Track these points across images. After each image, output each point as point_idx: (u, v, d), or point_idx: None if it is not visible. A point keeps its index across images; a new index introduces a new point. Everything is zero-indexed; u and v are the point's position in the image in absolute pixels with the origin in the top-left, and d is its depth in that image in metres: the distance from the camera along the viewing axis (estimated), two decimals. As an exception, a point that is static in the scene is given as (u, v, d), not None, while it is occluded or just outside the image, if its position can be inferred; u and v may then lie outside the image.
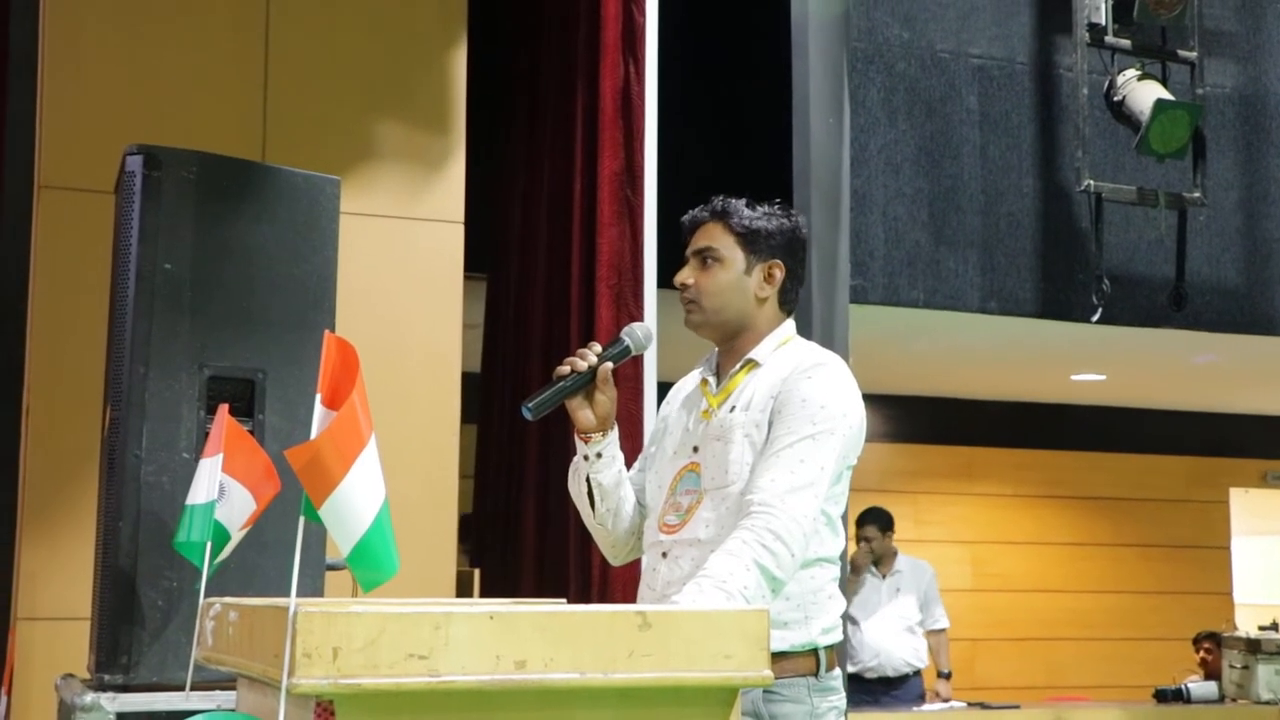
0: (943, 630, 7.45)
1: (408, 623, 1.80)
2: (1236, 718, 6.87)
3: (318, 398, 2.02)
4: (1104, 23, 5.35)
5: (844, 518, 2.85)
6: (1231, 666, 6.93)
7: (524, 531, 5.28)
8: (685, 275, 2.88)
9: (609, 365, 2.82)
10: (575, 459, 2.93)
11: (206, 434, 3.01)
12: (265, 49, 4.69)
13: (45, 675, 3.70)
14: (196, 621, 2.55)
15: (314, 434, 2.00)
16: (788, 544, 2.58)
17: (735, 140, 6.07)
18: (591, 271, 4.60)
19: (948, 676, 7.50)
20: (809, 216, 3.08)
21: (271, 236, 3.27)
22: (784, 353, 2.85)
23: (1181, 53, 5.51)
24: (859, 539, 7.25)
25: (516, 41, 5.91)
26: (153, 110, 4.48)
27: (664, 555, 2.80)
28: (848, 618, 7.02)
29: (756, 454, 2.72)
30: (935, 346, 8.55)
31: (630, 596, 3.23)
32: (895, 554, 7.36)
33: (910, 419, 10.57)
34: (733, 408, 2.80)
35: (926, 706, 6.88)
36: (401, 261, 4.75)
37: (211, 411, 3.06)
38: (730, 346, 2.89)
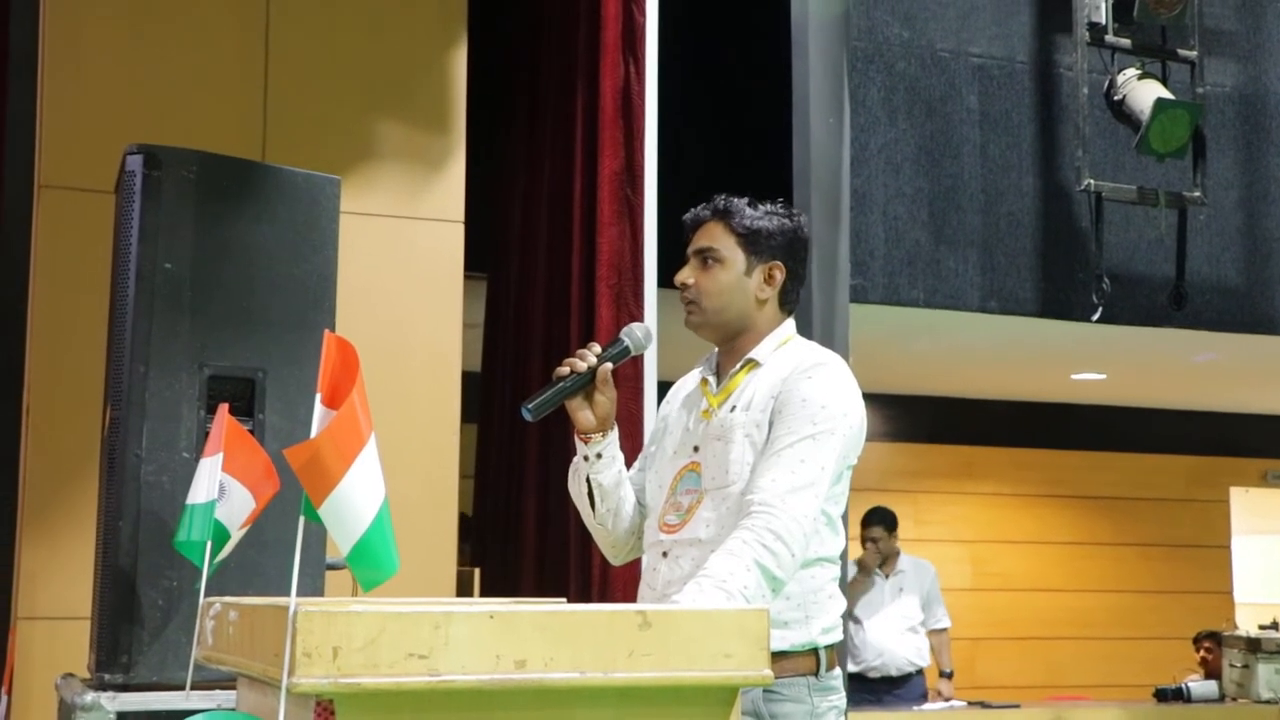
0: (944, 630, 7.45)
1: (408, 622, 1.80)
2: (1237, 717, 6.87)
3: (317, 397, 2.02)
4: (1104, 22, 5.35)
5: (844, 517, 2.85)
6: (1232, 666, 6.93)
7: (524, 531, 5.28)
8: (685, 275, 2.88)
9: (609, 366, 2.82)
10: (575, 459, 2.92)
11: (206, 433, 3.01)
12: (265, 49, 4.69)
13: (45, 675, 3.71)
14: (196, 621, 2.55)
15: (314, 433, 2.00)
16: (788, 544, 2.58)
17: (735, 140, 6.07)
18: (591, 271, 4.60)
19: (949, 676, 7.50)
20: (809, 216, 3.08)
21: (272, 236, 3.27)
22: (784, 352, 2.85)
23: (1181, 52, 5.51)
24: (865, 540, 7.24)
25: (516, 41, 5.91)
26: (153, 110, 4.48)
27: (664, 555, 2.80)
28: (851, 617, 7.04)
29: (757, 454, 2.72)
30: (935, 346, 8.55)
31: (630, 596, 3.23)
32: (898, 554, 7.36)
33: (910, 418, 10.56)
34: (733, 407, 2.80)
35: (927, 706, 6.88)
36: (402, 261, 4.75)
37: (211, 411, 3.06)
38: (730, 347, 2.89)
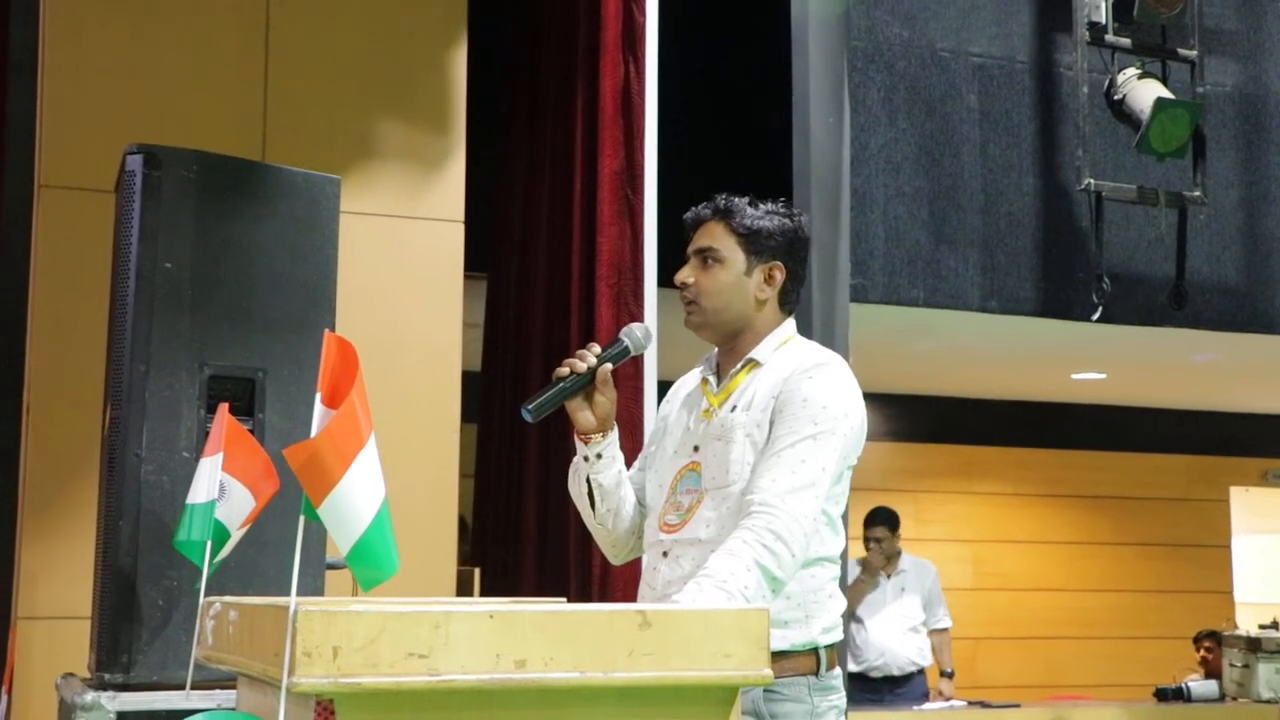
0: (946, 629, 7.45)
1: (408, 622, 1.80)
2: (1237, 716, 6.87)
3: (317, 397, 2.02)
4: (1104, 21, 5.34)
5: (844, 517, 2.85)
6: (1232, 665, 6.93)
7: (524, 531, 5.28)
8: (685, 274, 2.88)
9: (609, 366, 2.82)
10: (575, 459, 2.92)
11: (207, 433, 3.01)
12: (265, 49, 4.69)
13: (46, 674, 3.71)
14: (197, 620, 2.55)
15: (314, 433, 2.00)
16: (788, 544, 2.58)
17: (735, 140, 6.07)
18: (591, 271, 4.60)
19: (950, 675, 7.50)
20: (809, 215, 3.08)
21: (272, 236, 3.27)
22: (785, 352, 2.84)
23: (1182, 51, 5.50)
24: (868, 540, 7.23)
25: (516, 41, 5.91)
26: (153, 110, 4.48)
27: (664, 554, 2.80)
28: (853, 617, 7.04)
29: (758, 454, 2.72)
30: (935, 345, 8.55)
31: (630, 596, 3.23)
32: (900, 553, 7.36)
33: (910, 418, 10.57)
34: (734, 407, 2.80)
35: (927, 706, 6.88)
36: (401, 261, 4.75)
37: (212, 410, 3.06)
38: (731, 347, 2.89)
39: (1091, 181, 5.34)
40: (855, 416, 2.77)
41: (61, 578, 4.17)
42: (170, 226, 3.16)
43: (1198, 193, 5.51)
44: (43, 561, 4.24)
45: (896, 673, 7.14)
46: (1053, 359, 8.98)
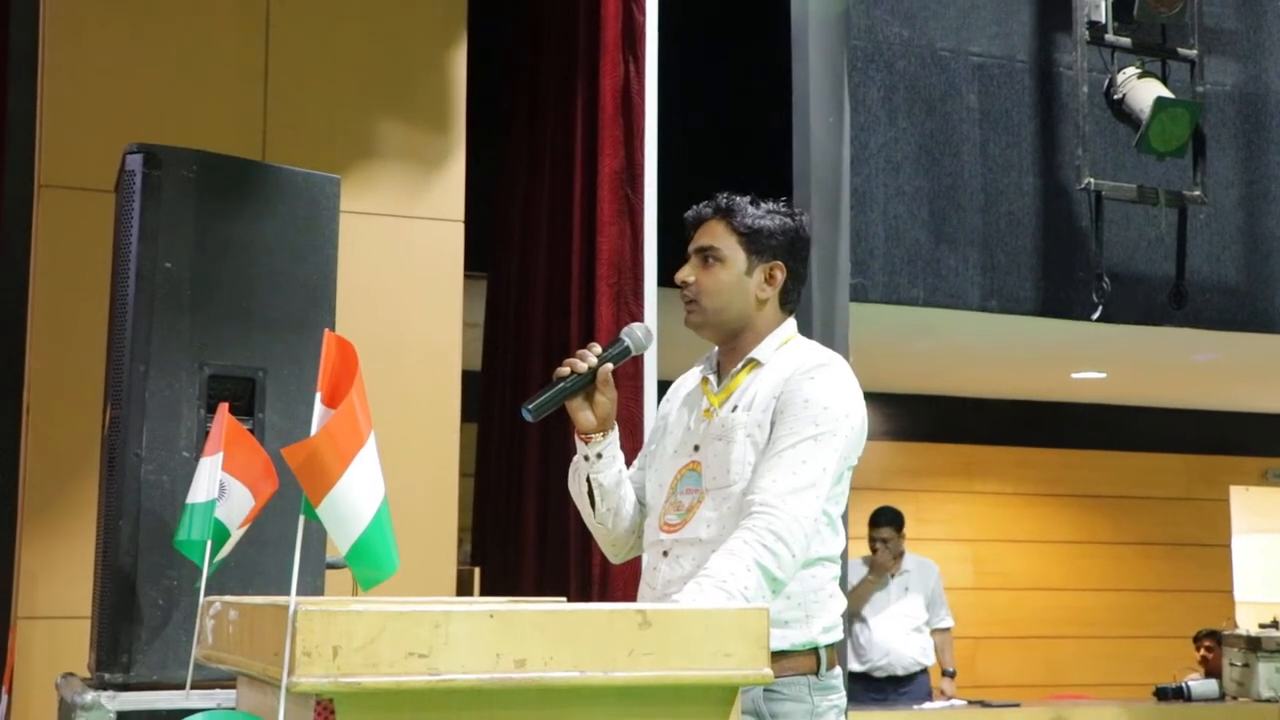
0: (948, 629, 7.46)
1: (408, 621, 1.80)
2: (1237, 716, 6.86)
3: (317, 396, 2.02)
4: (1104, 20, 5.34)
5: (844, 517, 2.85)
6: (1232, 664, 6.93)
7: (524, 530, 5.28)
8: (686, 273, 2.88)
9: (609, 366, 2.81)
10: (575, 459, 2.92)
11: (207, 433, 3.01)
12: (265, 48, 4.69)
13: (46, 674, 3.71)
14: (196, 620, 2.55)
15: (313, 433, 2.00)
16: (789, 544, 2.58)
17: (735, 139, 6.07)
18: (592, 270, 4.60)
19: (952, 675, 7.50)
20: (809, 215, 3.08)
21: (272, 235, 3.27)
22: (786, 352, 2.84)
23: (1181, 50, 5.50)
24: (874, 540, 7.21)
25: (516, 41, 5.91)
26: (153, 110, 4.48)
27: (665, 554, 2.80)
28: (858, 617, 7.04)
29: (758, 454, 2.72)
30: (936, 345, 8.55)
31: (631, 595, 3.23)
32: (903, 553, 7.36)
33: (911, 417, 10.57)
34: (734, 407, 2.80)
35: (928, 705, 6.88)
36: (401, 260, 4.75)
37: (212, 410, 3.06)
38: (731, 346, 2.88)
39: (1091, 181, 5.34)
40: (856, 417, 2.77)
41: (61, 578, 4.17)
42: (170, 226, 3.16)
43: (1197, 192, 5.51)
44: (43, 561, 4.24)
45: (901, 672, 7.14)
46: (1053, 358, 8.98)
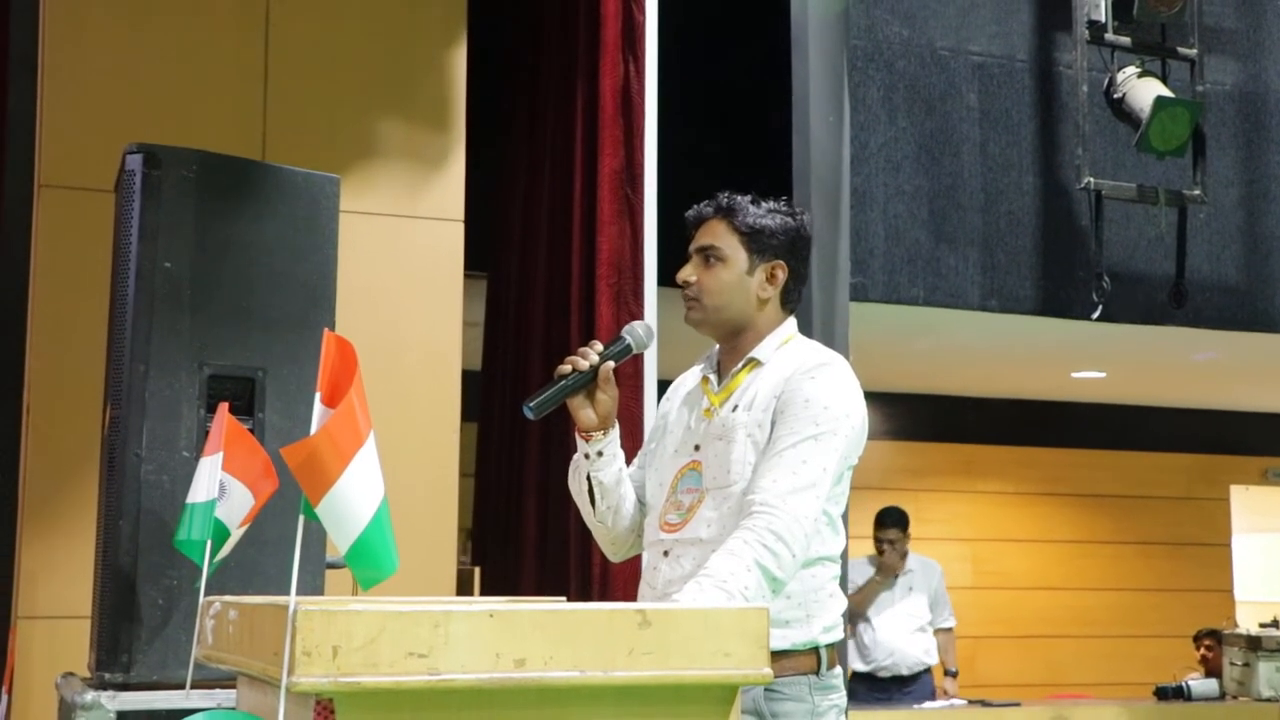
0: (950, 629, 7.46)
1: (407, 621, 1.80)
2: (1237, 715, 6.86)
3: (317, 396, 2.02)
4: (1104, 20, 5.34)
5: (845, 517, 2.85)
6: (1232, 664, 6.92)
7: (524, 530, 5.28)
8: (687, 273, 2.88)
9: (610, 364, 2.81)
10: (576, 457, 2.92)
11: (206, 432, 3.01)
12: (265, 48, 4.69)
13: (46, 674, 3.71)
14: (196, 620, 2.55)
15: (313, 433, 2.00)
16: (789, 544, 2.57)
17: (735, 138, 6.07)
18: (592, 270, 4.60)
19: (955, 675, 7.50)
20: (810, 214, 3.07)
21: (271, 235, 3.27)
22: (786, 351, 2.84)
23: (1181, 50, 5.50)
24: (880, 541, 7.20)
25: (516, 41, 5.91)
26: (153, 109, 4.48)
27: (665, 554, 2.80)
28: (862, 617, 7.04)
29: (759, 453, 2.72)
30: (935, 344, 8.55)
31: (631, 595, 3.23)
32: (907, 553, 7.36)
33: (911, 417, 10.57)
34: (735, 407, 2.79)
35: (928, 704, 6.88)
36: (401, 260, 4.75)
37: (211, 410, 3.06)
38: (732, 345, 2.88)
39: (1091, 180, 5.34)
40: (856, 417, 2.77)
41: (61, 577, 4.17)
42: (170, 226, 3.16)
43: (1197, 191, 5.51)
44: (43, 561, 4.24)
45: (905, 672, 7.14)
46: (1053, 358, 8.98)
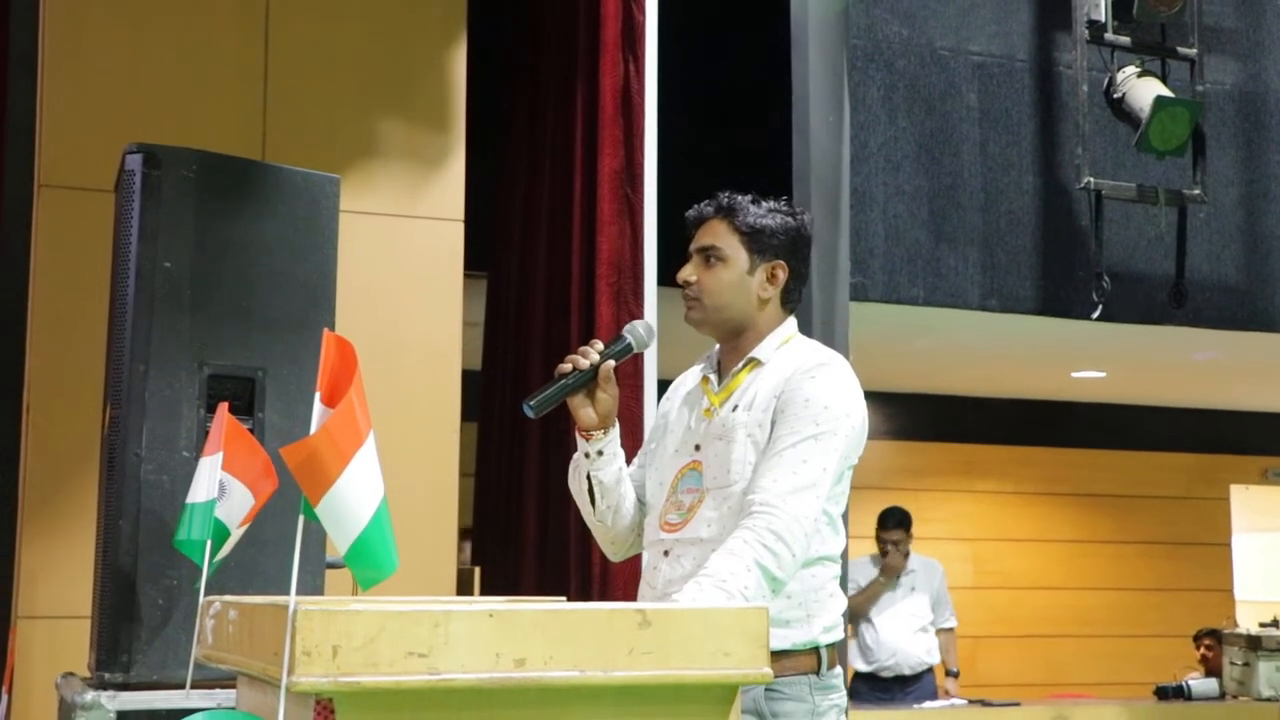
0: (952, 629, 7.46)
1: (407, 621, 1.80)
2: (1237, 715, 6.86)
3: (316, 396, 2.02)
4: (1104, 20, 5.34)
5: (845, 516, 2.85)
6: (1232, 663, 6.92)
7: (524, 529, 5.28)
8: (688, 272, 2.87)
9: (611, 363, 2.81)
10: (576, 456, 2.92)
11: (206, 432, 3.01)
12: (265, 48, 4.70)
13: (46, 673, 3.71)
14: (196, 620, 2.55)
15: (312, 432, 2.00)
16: (789, 544, 2.58)
17: (735, 138, 6.07)
18: (592, 269, 4.60)
19: (956, 675, 7.50)
20: (810, 214, 3.07)
21: (271, 235, 3.27)
22: (787, 351, 2.84)
23: (1181, 49, 5.50)
24: (886, 542, 7.19)
25: (516, 41, 5.91)
26: (153, 109, 4.48)
27: (665, 554, 2.80)
28: (864, 618, 7.04)
29: (759, 453, 2.72)
30: (935, 344, 8.55)
31: (631, 595, 3.23)
32: (909, 553, 7.36)
33: (911, 416, 10.57)
34: (735, 407, 2.79)
35: (928, 704, 6.88)
36: (401, 259, 4.75)
37: (211, 410, 3.06)
38: (733, 345, 2.88)
39: (1091, 180, 5.33)
40: (857, 417, 2.77)
41: (61, 577, 4.17)
42: (170, 226, 3.16)
43: (1197, 191, 5.50)
44: (43, 561, 4.24)
45: (908, 672, 7.14)
46: (1053, 357, 8.98)
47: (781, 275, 2.87)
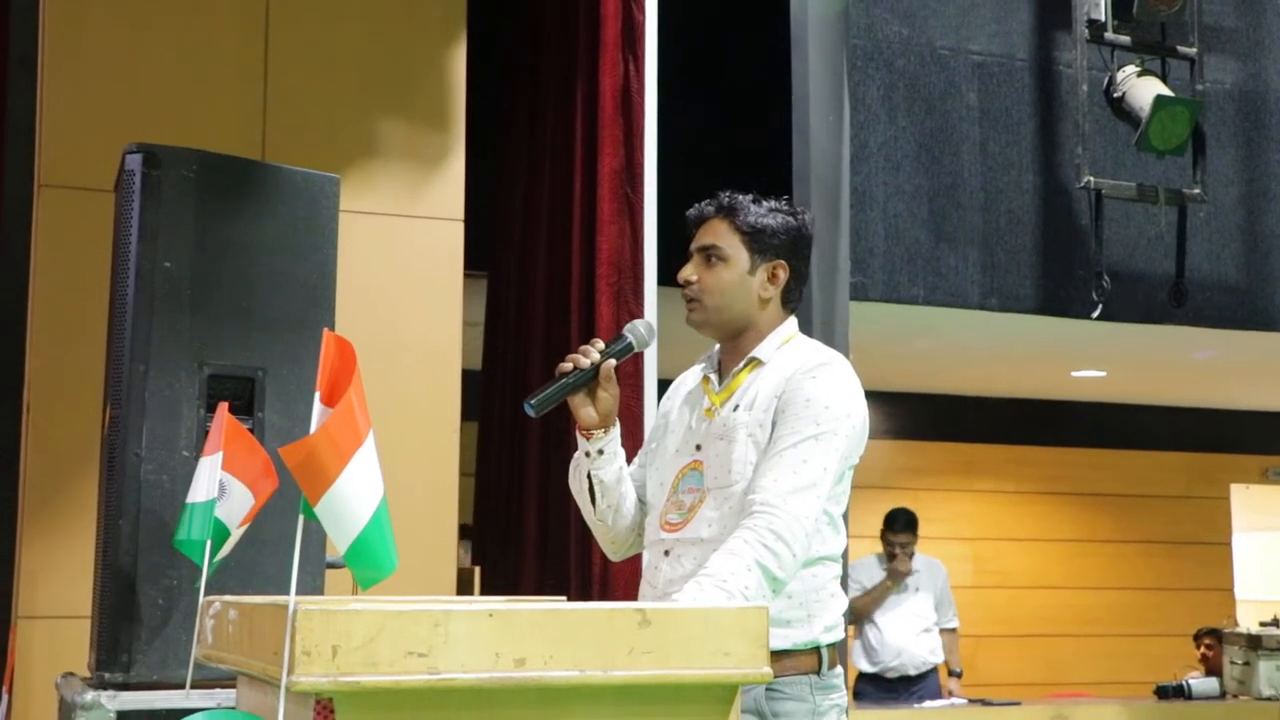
0: (955, 629, 7.46)
1: (407, 620, 1.80)
2: (1237, 714, 6.86)
3: (316, 396, 2.02)
4: (1104, 19, 5.34)
5: (845, 516, 2.85)
6: (1232, 663, 6.92)
7: (525, 529, 5.28)
8: (688, 272, 2.87)
9: (612, 362, 2.81)
10: (576, 455, 2.92)
11: (206, 432, 3.01)
12: (265, 48, 4.70)
13: (46, 673, 3.71)
14: (196, 619, 2.55)
15: (312, 432, 2.00)
16: (789, 544, 2.57)
17: (735, 137, 6.07)
18: (592, 269, 4.60)
19: (959, 675, 7.50)
20: (810, 213, 3.07)
21: (271, 235, 3.27)
22: (787, 351, 2.84)
23: (1181, 49, 5.50)
24: (894, 545, 7.18)
25: (516, 41, 5.91)
26: (153, 109, 4.49)
27: (666, 553, 2.80)
28: (868, 619, 7.04)
29: (760, 453, 2.72)
30: (935, 343, 8.55)
31: (631, 594, 3.23)
32: (913, 554, 7.35)
33: (911, 416, 10.57)
34: (736, 406, 2.79)
35: (928, 704, 6.88)
36: (401, 259, 4.75)
37: (211, 409, 3.06)
38: (733, 345, 2.88)
39: (1091, 179, 5.33)
40: (857, 417, 2.77)
41: (61, 577, 4.17)
42: (170, 226, 3.16)
43: (1197, 190, 5.50)
44: (43, 561, 4.24)
45: (913, 672, 7.14)
46: (1053, 357, 8.98)
47: (782, 275, 2.86)
